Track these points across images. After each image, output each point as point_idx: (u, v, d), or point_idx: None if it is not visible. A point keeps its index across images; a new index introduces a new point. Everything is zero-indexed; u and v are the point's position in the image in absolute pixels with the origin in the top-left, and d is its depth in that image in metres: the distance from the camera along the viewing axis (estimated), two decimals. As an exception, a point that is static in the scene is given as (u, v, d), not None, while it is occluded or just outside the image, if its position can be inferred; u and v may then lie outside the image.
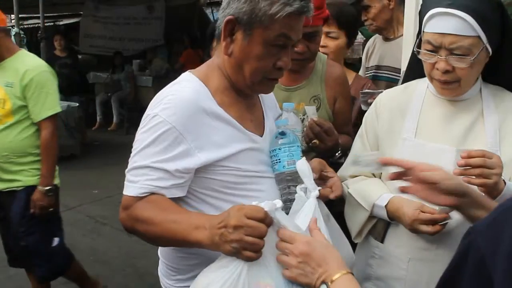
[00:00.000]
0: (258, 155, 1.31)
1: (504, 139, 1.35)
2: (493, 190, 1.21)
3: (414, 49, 1.37)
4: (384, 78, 2.52)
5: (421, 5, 1.39)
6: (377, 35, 2.68)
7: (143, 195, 1.17)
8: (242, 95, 1.32)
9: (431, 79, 1.36)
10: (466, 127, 1.37)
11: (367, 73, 2.66)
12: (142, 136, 1.20)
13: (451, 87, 1.34)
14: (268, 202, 1.05)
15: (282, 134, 1.33)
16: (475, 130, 1.37)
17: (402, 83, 1.57)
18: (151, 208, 1.15)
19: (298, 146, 1.32)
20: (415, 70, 1.49)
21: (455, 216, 1.30)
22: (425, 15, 1.31)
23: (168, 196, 1.19)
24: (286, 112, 1.48)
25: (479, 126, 1.37)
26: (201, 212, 1.22)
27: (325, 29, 1.99)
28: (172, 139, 1.17)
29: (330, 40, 2.15)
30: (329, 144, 1.63)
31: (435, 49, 1.29)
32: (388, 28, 2.52)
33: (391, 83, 2.42)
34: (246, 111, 1.33)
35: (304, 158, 1.27)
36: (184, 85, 1.26)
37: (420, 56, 1.34)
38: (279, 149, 1.30)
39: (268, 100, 1.47)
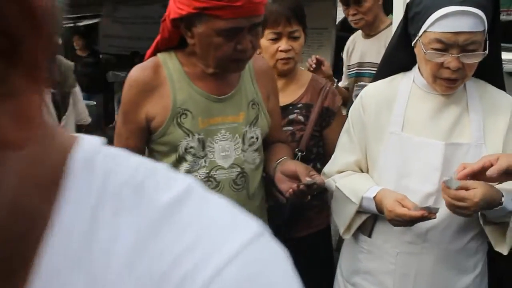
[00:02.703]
0: None
1: (489, 132, 1.34)
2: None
3: (423, 51, 1.30)
4: (367, 75, 2.52)
5: (417, 5, 1.34)
6: (356, 33, 2.69)
7: None
8: None
9: (435, 78, 1.33)
10: (453, 120, 1.37)
11: (349, 71, 2.68)
12: None
13: (457, 84, 1.33)
14: None
15: None
16: (461, 123, 1.37)
17: (374, 79, 1.56)
18: None
19: None
20: (388, 66, 1.50)
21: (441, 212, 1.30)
22: (428, 15, 1.28)
23: None
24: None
25: (465, 119, 1.37)
26: None
27: (287, 29, 1.69)
28: None
29: (294, 42, 1.74)
30: None
31: (446, 48, 1.27)
32: (374, 24, 2.52)
33: None
34: None
35: None
36: None
37: (427, 57, 1.31)
38: None
39: None
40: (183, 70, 1.38)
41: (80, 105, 3.25)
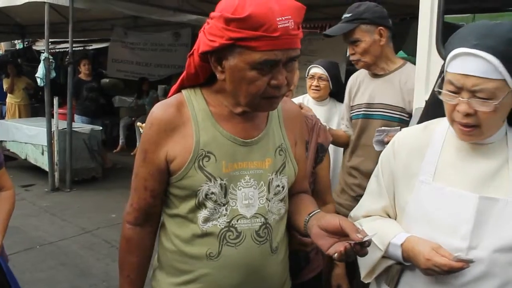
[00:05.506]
0: None
1: None
2: None
3: (435, 89, 1.29)
4: (378, 116, 2.37)
5: (447, 43, 1.32)
6: (359, 72, 2.54)
7: None
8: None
9: (452, 121, 1.29)
10: (489, 173, 1.29)
11: (354, 112, 2.51)
12: None
13: (472, 132, 1.25)
14: None
15: None
16: (499, 177, 1.29)
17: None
18: None
19: None
20: (432, 115, 1.44)
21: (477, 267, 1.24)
22: (448, 54, 1.26)
23: None
24: None
25: (504, 173, 1.29)
26: None
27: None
28: None
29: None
30: None
31: (457, 90, 1.22)
32: (377, 64, 2.38)
33: (386, 121, 2.33)
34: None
35: None
36: None
37: (441, 97, 1.27)
38: None
39: None
40: (208, 110, 1.30)
41: None
